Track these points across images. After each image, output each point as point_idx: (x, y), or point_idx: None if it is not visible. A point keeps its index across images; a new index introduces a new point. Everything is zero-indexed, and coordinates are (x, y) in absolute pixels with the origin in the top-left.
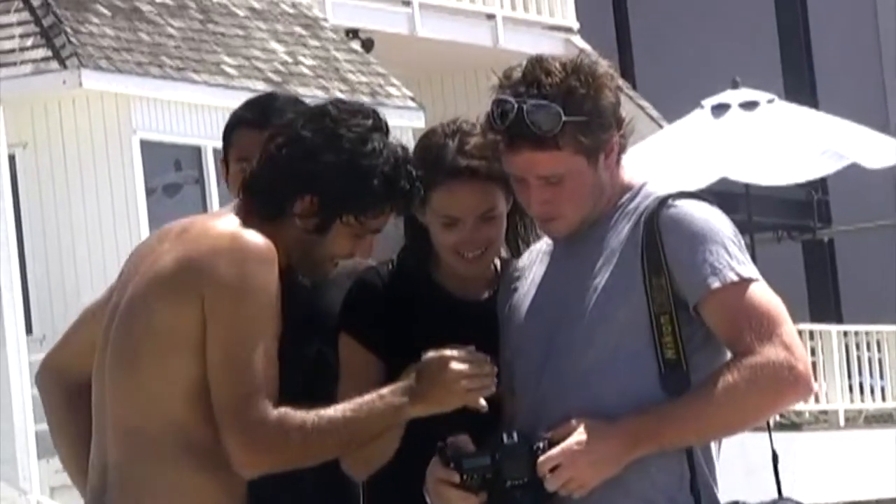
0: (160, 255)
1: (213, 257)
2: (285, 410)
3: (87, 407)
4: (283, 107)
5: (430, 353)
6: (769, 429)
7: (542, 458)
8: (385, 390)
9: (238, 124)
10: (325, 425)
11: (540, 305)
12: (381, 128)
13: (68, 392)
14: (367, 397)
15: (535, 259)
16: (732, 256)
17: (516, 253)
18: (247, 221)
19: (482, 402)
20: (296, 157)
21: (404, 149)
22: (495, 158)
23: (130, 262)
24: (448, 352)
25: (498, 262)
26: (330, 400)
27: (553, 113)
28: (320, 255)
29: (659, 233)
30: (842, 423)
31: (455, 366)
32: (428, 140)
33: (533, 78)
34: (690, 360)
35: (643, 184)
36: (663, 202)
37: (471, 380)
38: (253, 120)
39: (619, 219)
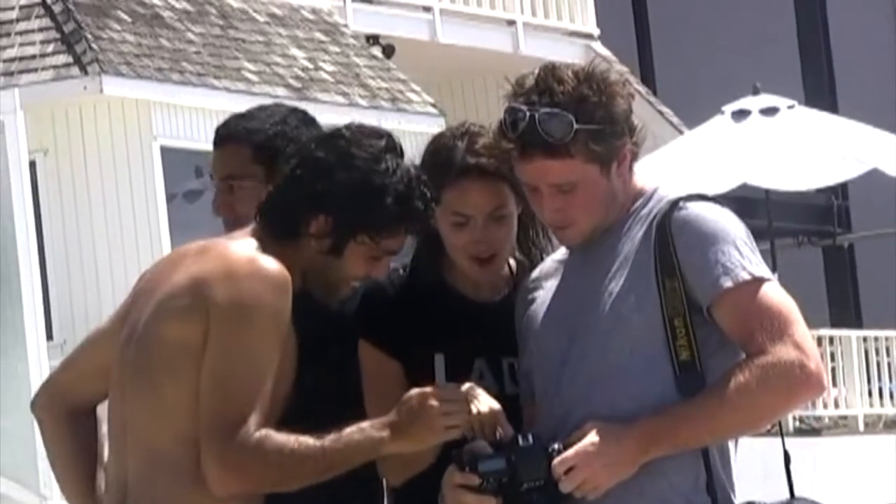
0: (176, 275)
1: (225, 280)
2: (267, 434)
3: (86, 430)
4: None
5: (412, 391)
6: (781, 431)
7: (557, 460)
8: (366, 424)
9: (216, 143)
10: (304, 452)
11: (556, 313)
12: (395, 148)
13: (68, 416)
14: (349, 429)
15: (551, 269)
16: (744, 256)
17: (529, 258)
18: (263, 243)
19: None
20: (309, 177)
21: (417, 169)
22: (504, 159)
23: (141, 284)
24: (428, 389)
25: (513, 262)
26: (346, 420)
27: (565, 121)
28: (336, 276)
29: (671, 235)
30: (861, 427)
31: (433, 403)
32: (437, 142)
33: (545, 86)
34: (706, 364)
35: (655, 189)
36: (674, 205)
37: (449, 417)
38: (227, 136)
39: (632, 224)
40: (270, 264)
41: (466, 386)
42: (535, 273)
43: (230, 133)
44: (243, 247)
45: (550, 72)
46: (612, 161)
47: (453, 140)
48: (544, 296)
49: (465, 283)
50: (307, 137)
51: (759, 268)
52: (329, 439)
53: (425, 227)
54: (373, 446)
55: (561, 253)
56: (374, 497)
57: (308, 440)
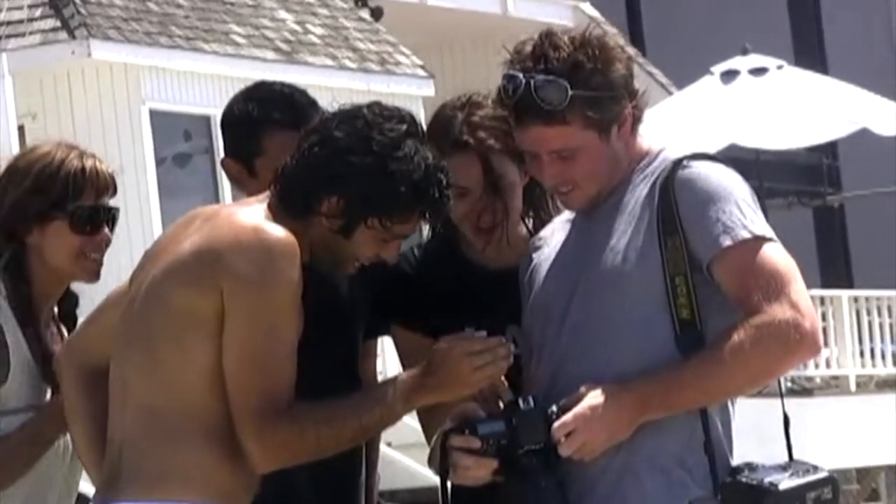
0: (183, 240)
1: (235, 250)
2: (300, 406)
3: (104, 390)
4: (308, 101)
5: (441, 344)
6: (781, 394)
7: (556, 424)
8: (397, 380)
9: (270, 126)
10: (340, 419)
11: (559, 270)
12: (417, 133)
13: (86, 375)
14: (379, 388)
15: (556, 227)
16: (745, 215)
17: (538, 226)
18: (275, 215)
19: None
20: (325, 157)
21: (436, 157)
22: (504, 130)
23: (153, 248)
24: (456, 341)
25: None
26: (351, 388)
27: (560, 88)
28: (344, 254)
29: (673, 193)
30: (853, 388)
31: (462, 354)
32: (438, 113)
33: (541, 53)
34: (707, 323)
35: (661, 149)
36: (678, 164)
37: (481, 369)
38: (283, 120)
39: (636, 184)
40: (279, 232)
41: (493, 340)
42: (543, 232)
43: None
44: (253, 215)
45: (547, 38)
46: (610, 126)
47: (453, 111)
48: (548, 253)
49: (478, 254)
50: (328, 114)
51: (760, 227)
52: (361, 402)
53: (440, 215)
54: (405, 404)
55: (568, 213)
56: (357, 465)
57: (340, 405)
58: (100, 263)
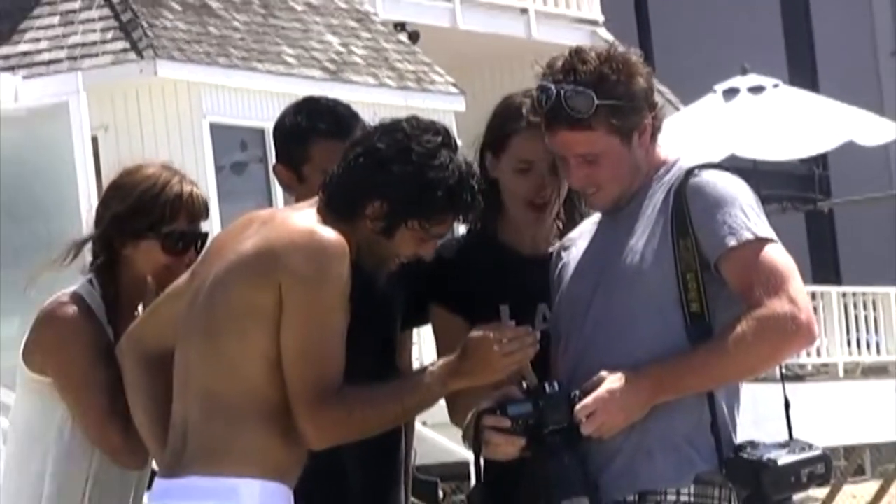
0: (243, 240)
1: (292, 249)
2: (350, 390)
3: (163, 375)
4: (351, 114)
5: (473, 333)
6: (783, 379)
7: (578, 406)
8: (434, 366)
9: (317, 135)
10: (383, 402)
11: (584, 267)
12: (451, 144)
13: (145, 361)
14: (418, 373)
15: (585, 230)
16: (749, 219)
17: (571, 223)
18: (324, 218)
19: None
20: (369, 166)
21: (469, 164)
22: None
23: (214, 245)
24: (489, 331)
25: (560, 224)
26: (390, 374)
27: (587, 97)
28: (386, 253)
29: (685, 199)
30: (841, 374)
31: (493, 342)
32: (508, 99)
33: (570, 66)
34: (715, 316)
35: (677, 159)
36: (689, 172)
37: (510, 356)
38: (328, 130)
39: (655, 190)
40: (331, 234)
41: (521, 329)
42: (572, 233)
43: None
44: (306, 218)
45: (576, 54)
46: (632, 133)
47: (522, 97)
48: (576, 252)
49: (520, 241)
50: (370, 127)
51: (763, 229)
52: (402, 386)
53: (473, 215)
54: (442, 387)
55: (595, 217)
56: (397, 443)
57: (384, 389)
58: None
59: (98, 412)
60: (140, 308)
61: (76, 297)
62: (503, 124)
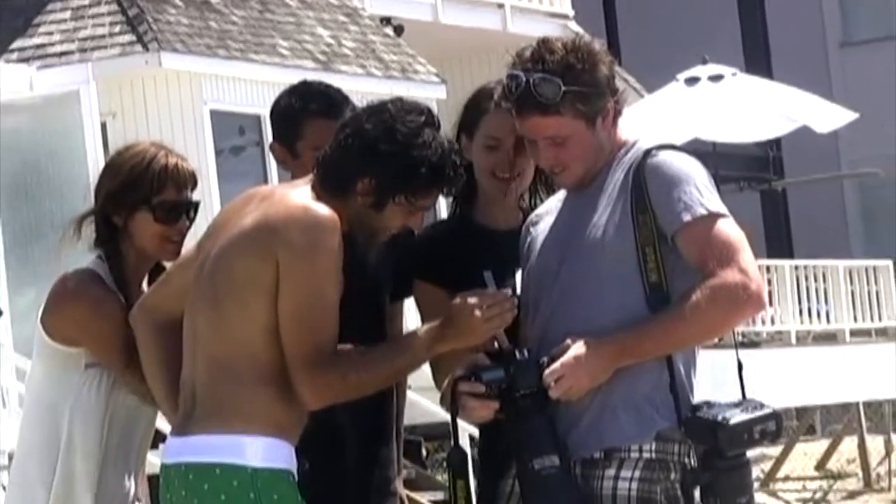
0: (244, 216)
1: (288, 224)
2: (343, 354)
3: (174, 341)
4: (341, 96)
5: (456, 300)
6: (735, 345)
7: (547, 372)
8: (420, 331)
9: (308, 115)
10: (375, 364)
11: (551, 241)
12: (433, 123)
13: (157, 328)
14: (406, 338)
15: (551, 206)
16: (703, 195)
17: (536, 202)
18: (318, 194)
19: (503, 338)
20: (358, 146)
21: (450, 142)
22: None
23: (219, 220)
24: (470, 298)
25: (525, 205)
26: (380, 336)
27: (554, 85)
28: (376, 226)
29: (644, 178)
30: (793, 341)
31: (476, 309)
32: (481, 88)
33: (539, 56)
34: (673, 285)
35: (636, 140)
36: (647, 153)
37: (490, 320)
38: (319, 110)
39: (615, 169)
40: (324, 210)
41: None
42: (540, 209)
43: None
44: (301, 195)
45: (544, 45)
46: (596, 118)
47: (495, 84)
48: (544, 226)
49: (493, 218)
50: (359, 109)
51: (715, 205)
52: (391, 349)
53: (455, 189)
54: (428, 350)
55: (561, 194)
56: (387, 403)
57: (374, 353)
58: (180, 245)
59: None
60: (146, 282)
61: (92, 274)
62: (476, 105)
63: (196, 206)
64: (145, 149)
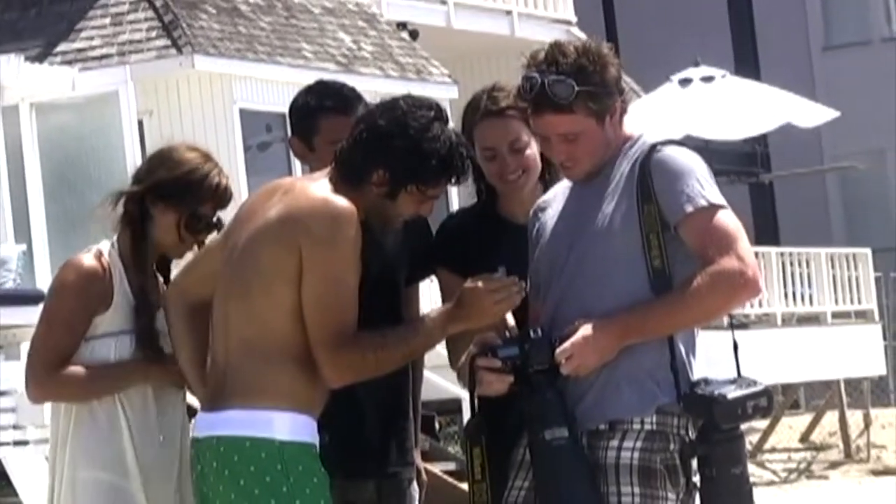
0: (269, 208)
1: (310, 216)
2: (362, 335)
3: (203, 322)
4: (354, 94)
5: (468, 283)
6: (732, 327)
7: (558, 350)
8: (433, 313)
9: (324, 112)
10: (393, 344)
11: (560, 229)
12: (442, 118)
13: (188, 310)
14: (421, 320)
15: (558, 193)
16: (704, 188)
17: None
18: (336, 186)
19: (510, 320)
20: (372, 141)
21: (458, 135)
22: (517, 105)
23: (244, 210)
24: (481, 282)
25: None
26: (397, 318)
27: (568, 85)
28: (390, 214)
29: (649, 171)
30: (779, 322)
31: (486, 293)
32: (472, 99)
33: (552, 58)
34: (676, 270)
35: (640, 135)
36: (653, 147)
37: (499, 303)
38: (334, 107)
39: (621, 162)
40: (343, 202)
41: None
42: (546, 196)
43: (328, 104)
44: (321, 188)
45: (557, 48)
46: (605, 115)
47: (481, 94)
48: (551, 213)
49: (512, 212)
50: (372, 106)
51: (715, 197)
52: (408, 330)
53: (464, 179)
54: (442, 331)
55: (566, 182)
56: (404, 381)
57: (392, 334)
58: (191, 250)
59: (37, 347)
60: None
61: (96, 251)
62: (467, 120)
63: (221, 226)
64: (203, 160)
